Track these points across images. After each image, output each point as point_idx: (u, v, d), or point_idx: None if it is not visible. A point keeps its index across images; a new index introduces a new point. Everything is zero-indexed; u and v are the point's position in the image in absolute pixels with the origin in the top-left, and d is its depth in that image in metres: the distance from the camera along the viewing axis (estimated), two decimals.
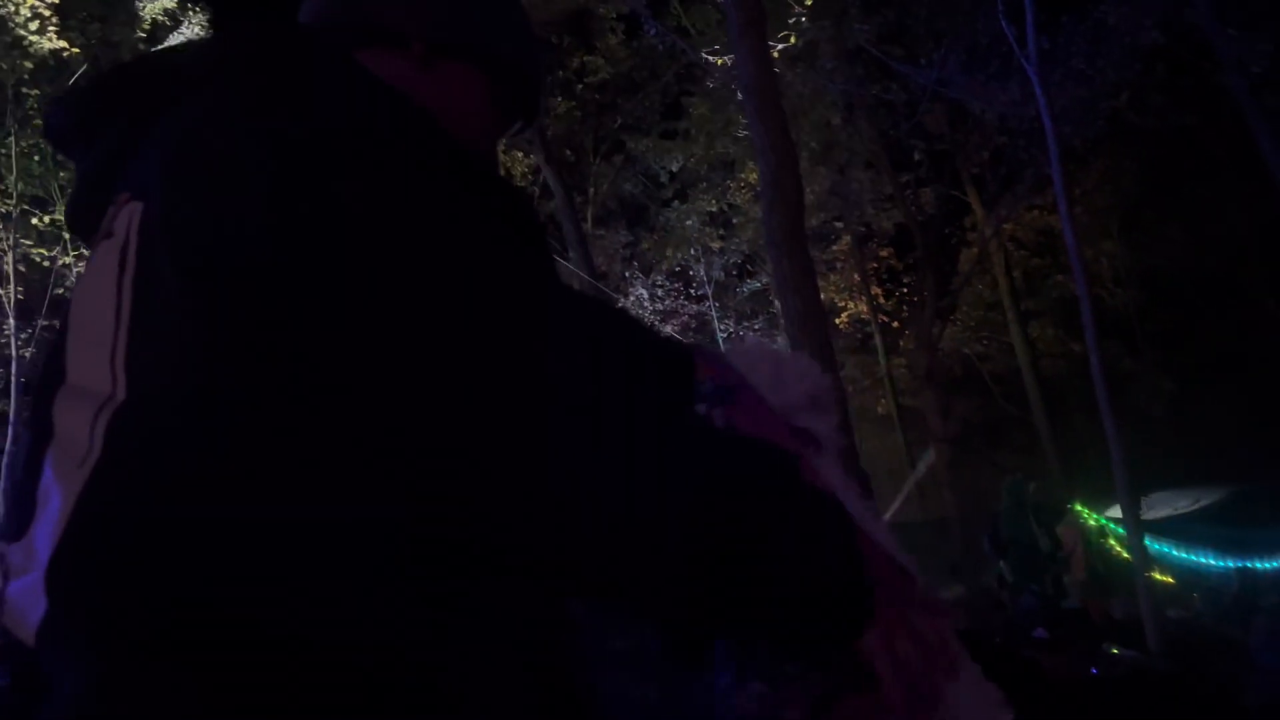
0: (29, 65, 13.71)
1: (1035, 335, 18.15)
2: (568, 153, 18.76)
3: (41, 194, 14.84)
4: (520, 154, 18.12)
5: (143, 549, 0.58)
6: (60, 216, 14.75)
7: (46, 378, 0.71)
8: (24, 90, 13.88)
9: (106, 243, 0.71)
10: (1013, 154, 11.43)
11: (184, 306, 0.63)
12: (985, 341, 18.68)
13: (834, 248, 18.50)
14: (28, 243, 14.70)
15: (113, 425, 0.63)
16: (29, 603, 0.62)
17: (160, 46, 0.73)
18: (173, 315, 0.64)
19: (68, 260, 15.00)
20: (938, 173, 15.23)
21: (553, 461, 0.59)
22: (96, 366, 0.66)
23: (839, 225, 16.48)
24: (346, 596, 0.59)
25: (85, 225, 0.80)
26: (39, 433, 0.69)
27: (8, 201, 14.16)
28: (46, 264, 15.02)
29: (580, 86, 18.58)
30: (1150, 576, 6.38)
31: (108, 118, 0.78)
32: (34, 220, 14.81)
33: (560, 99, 18.20)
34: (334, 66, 0.71)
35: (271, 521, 0.59)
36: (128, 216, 0.70)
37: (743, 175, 16.64)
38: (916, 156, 13.82)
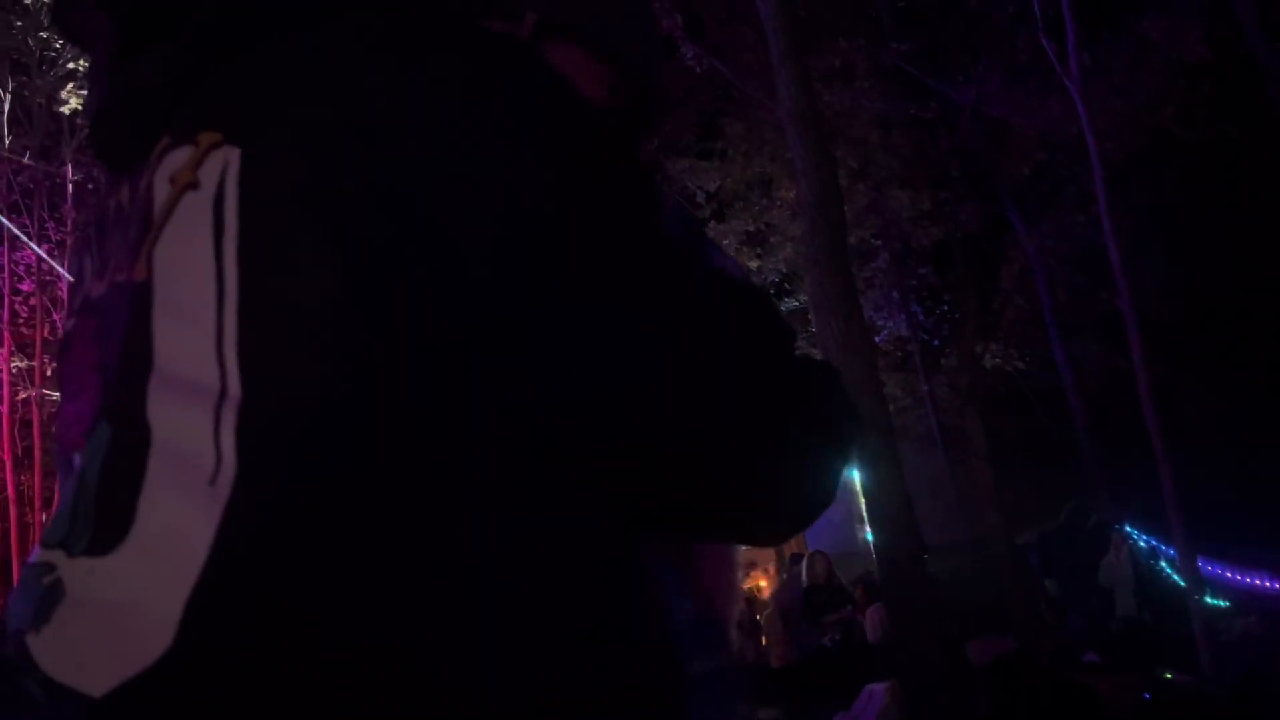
0: (83, 95, 14.11)
1: (1079, 352, 17.88)
2: None
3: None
4: None
5: (310, 589, 0.51)
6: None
7: (126, 354, 0.59)
8: (78, 121, 14.28)
9: (195, 194, 0.58)
10: (1054, 170, 11.34)
11: (333, 286, 0.54)
12: (1027, 359, 18.46)
13: (872, 265, 18.42)
14: None
15: (242, 430, 0.53)
16: (107, 636, 0.54)
17: None
18: (313, 296, 0.54)
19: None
20: (976, 190, 15.14)
21: None
22: (196, 352, 0.56)
23: (877, 243, 16.41)
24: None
25: (117, 149, 0.69)
26: (129, 428, 0.57)
27: (62, 229, 14.54)
28: None
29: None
30: (1203, 599, 6.25)
31: (160, 29, 0.65)
32: None
33: None
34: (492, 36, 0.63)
35: (449, 542, 0.53)
36: (219, 164, 0.58)
37: (780, 194, 16.65)
38: (954, 173, 13.75)
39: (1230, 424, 17.51)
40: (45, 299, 14.38)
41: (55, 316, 14.78)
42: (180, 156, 0.60)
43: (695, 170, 16.89)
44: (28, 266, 14.34)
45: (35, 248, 13.02)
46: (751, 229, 17.76)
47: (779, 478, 0.64)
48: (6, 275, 13.99)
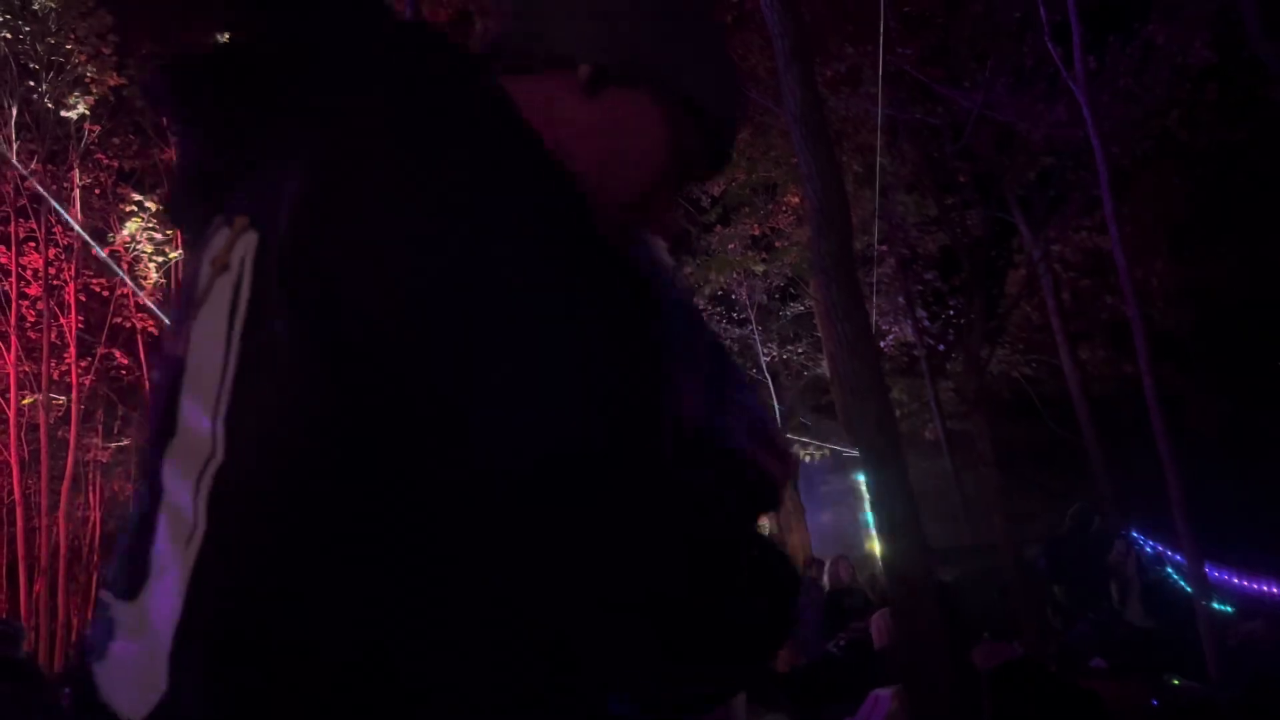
0: (89, 101, 14.17)
1: (1085, 357, 17.85)
2: None
3: (101, 225, 15.27)
4: None
5: (262, 646, 0.56)
6: (119, 248, 15.16)
7: (159, 421, 0.66)
8: (85, 126, 14.34)
9: (223, 276, 0.65)
10: (1060, 175, 11.33)
11: (298, 358, 0.59)
12: (1034, 364, 18.44)
13: (878, 271, 18.38)
14: (88, 273, 15.14)
15: (215, 493, 0.59)
16: (136, 671, 0.61)
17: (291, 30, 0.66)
18: (283, 368, 0.59)
19: (126, 290, 15.39)
20: (983, 195, 15.13)
21: None
22: (201, 420, 0.62)
23: (882, 249, 16.40)
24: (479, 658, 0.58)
25: (183, 220, 0.74)
26: (152, 486, 0.64)
27: (69, 234, 14.60)
28: (106, 294, 15.46)
29: None
30: (1210, 605, 6.23)
31: (221, 107, 0.71)
32: (93, 251, 15.25)
33: None
34: (488, 112, 0.66)
35: (399, 589, 0.58)
36: (244, 248, 0.64)
37: (784, 199, 16.67)
38: (961, 179, 13.74)
39: (1235, 429, 17.47)
40: (52, 303, 14.43)
41: (61, 321, 14.84)
42: (221, 239, 0.68)
43: None
44: (35, 271, 14.39)
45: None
46: (757, 233, 17.77)
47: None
48: (14, 280, 14.04)
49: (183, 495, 0.61)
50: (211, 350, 0.64)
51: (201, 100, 0.72)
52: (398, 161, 0.60)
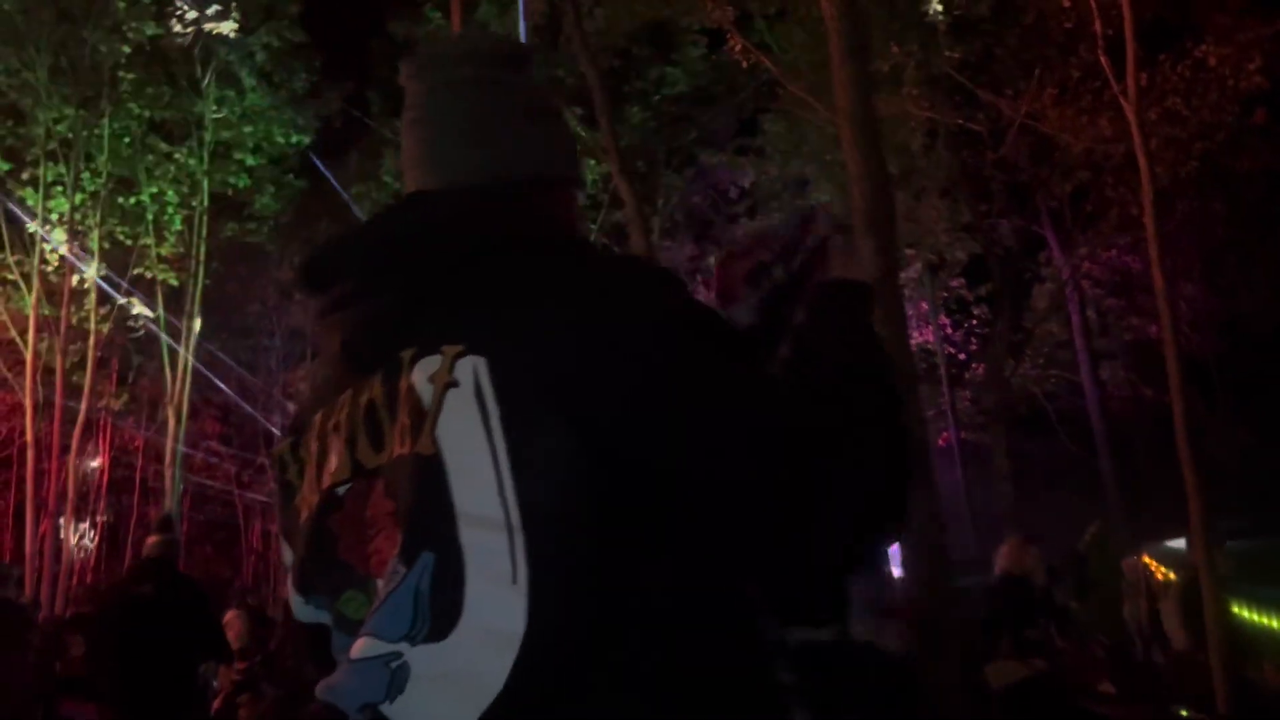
0: (126, 49, 14.13)
1: (1105, 377, 17.70)
2: (639, 163, 18.79)
3: (128, 174, 15.28)
4: (594, 162, 18.21)
5: (576, 653, 0.81)
6: (144, 197, 15.17)
7: (433, 503, 0.83)
8: (120, 74, 14.31)
9: (456, 390, 0.83)
10: (1098, 191, 11.18)
11: (561, 437, 0.81)
12: (1054, 380, 18.27)
13: (903, 275, 18.28)
14: (113, 221, 15.15)
15: (529, 548, 0.80)
16: (453, 697, 0.80)
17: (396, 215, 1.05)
18: (550, 448, 0.81)
19: (149, 241, 15.42)
20: (1015, 205, 14.97)
21: None
22: (486, 498, 0.81)
23: (910, 253, 16.27)
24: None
25: (361, 357, 0.94)
26: (448, 552, 0.82)
27: (97, 180, 14.60)
28: (129, 242, 15.48)
29: (657, 98, 18.60)
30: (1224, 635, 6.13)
31: (385, 274, 0.94)
32: (119, 200, 15.27)
33: (635, 109, 18.23)
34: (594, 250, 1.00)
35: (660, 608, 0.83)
36: (469, 367, 0.83)
37: (815, 196, 16.52)
38: (994, 187, 13.59)
39: (1253, 461, 17.27)
40: (75, 248, 14.44)
41: (84, 267, 14.86)
42: (432, 363, 0.85)
43: (732, 164, 16.79)
44: (60, 215, 14.41)
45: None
46: None
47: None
48: (40, 223, 14.06)
49: (496, 552, 0.80)
50: (473, 450, 0.82)
51: (369, 272, 0.95)
52: (605, 307, 0.85)
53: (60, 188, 14.24)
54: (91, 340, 14.57)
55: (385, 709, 0.81)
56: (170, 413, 15.48)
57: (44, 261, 14.11)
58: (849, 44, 4.08)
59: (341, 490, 0.93)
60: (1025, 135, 11.19)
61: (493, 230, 0.94)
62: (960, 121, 10.49)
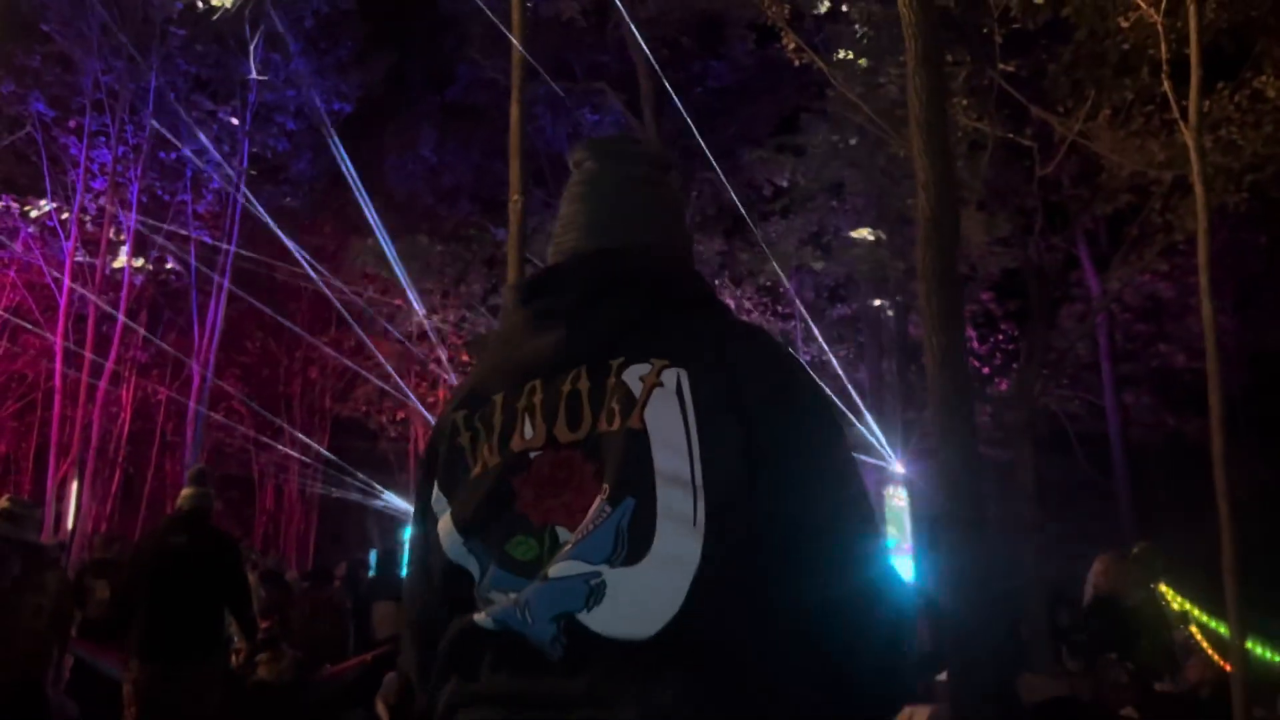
0: (178, 6, 14.18)
1: (1129, 402, 17.61)
2: (674, 155, 18.76)
3: (171, 130, 15.34)
4: None
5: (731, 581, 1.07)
6: (185, 154, 15.24)
7: (637, 465, 1.09)
8: (170, 29, 14.37)
9: (660, 390, 1.13)
10: (1145, 216, 11.09)
11: (733, 433, 1.11)
12: (1076, 401, 18.17)
13: None
14: (153, 175, 15.24)
15: (707, 500, 1.07)
16: (638, 609, 1.04)
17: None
18: (726, 437, 1.11)
19: (186, 198, 15.49)
20: (1053, 224, 14.85)
21: None
22: (679, 464, 1.08)
23: None
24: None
25: (565, 357, 1.21)
26: (646, 500, 1.07)
27: (140, 133, 14.68)
28: (167, 198, 15.57)
29: (699, 90, 18.56)
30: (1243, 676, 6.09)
31: (596, 301, 1.24)
32: (160, 155, 15.34)
33: (677, 101, 18.15)
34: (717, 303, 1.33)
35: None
36: (673, 376, 1.14)
37: (852, 199, 16.43)
38: (1030, 204, 13.48)
39: (1271, 498, 17.15)
40: (115, 199, 14.53)
41: (122, 217, 14.95)
42: (642, 369, 1.15)
43: (769, 163, 16.71)
44: (102, 165, 14.49)
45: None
46: (815, 229, 17.58)
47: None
48: (81, 170, 14.15)
49: (682, 505, 1.07)
50: (673, 430, 1.10)
51: (581, 299, 1.25)
52: (759, 354, 1.20)
53: (104, 138, 14.33)
54: (124, 292, 14.67)
55: (582, 616, 1.04)
56: (195, 369, 15.58)
57: (83, 210, 14.19)
58: (925, 50, 4.06)
59: (532, 455, 1.17)
60: (1070, 154, 11.11)
61: (676, 284, 1.30)
62: (1010, 135, 10.39)
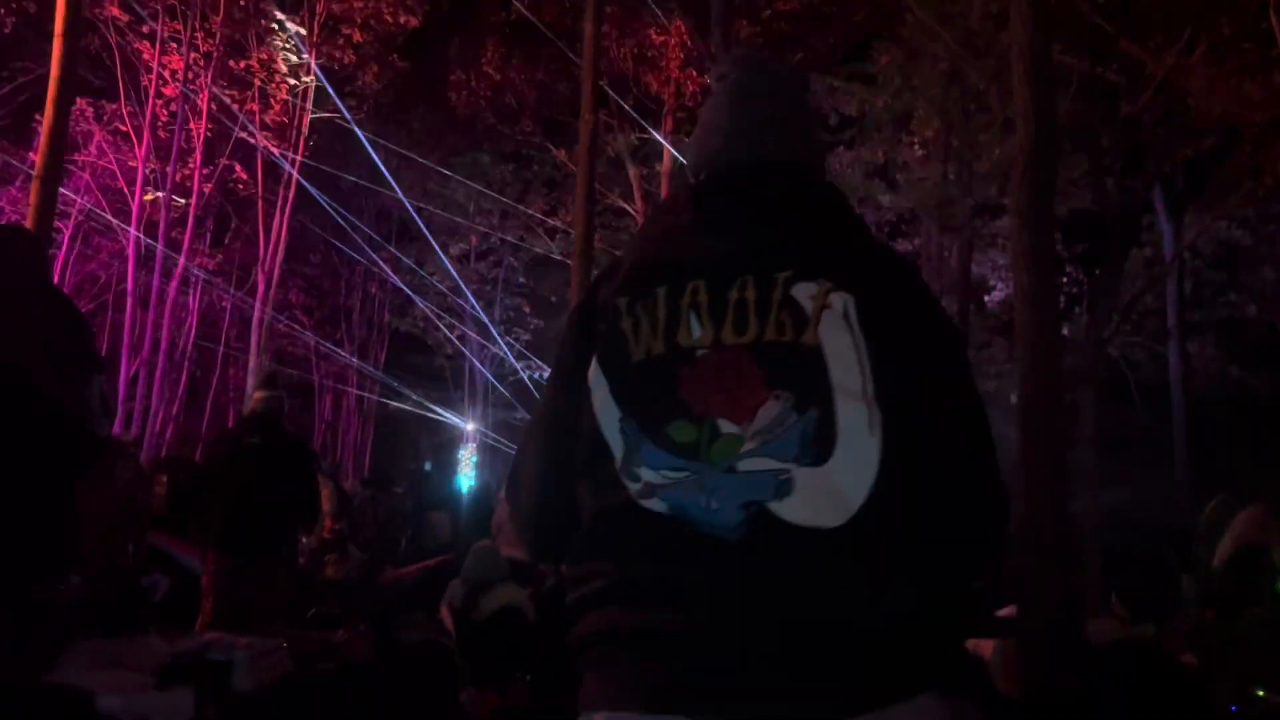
0: None
1: (1194, 352, 17.23)
2: None
3: (240, 39, 15.37)
4: (694, 72, 17.86)
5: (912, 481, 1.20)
6: (253, 62, 15.29)
7: (814, 378, 1.21)
8: None
9: (829, 311, 1.23)
10: (1232, 159, 10.69)
11: (895, 352, 1.22)
12: (1137, 348, 17.80)
13: (995, 224, 17.84)
14: (222, 83, 15.32)
15: (882, 410, 1.19)
16: (826, 502, 1.15)
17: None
18: (890, 356, 1.22)
19: (253, 107, 15.58)
20: (1129, 164, 14.36)
21: None
22: (853, 379, 1.20)
23: (1006, 201, 15.79)
24: None
25: (730, 262, 1.29)
26: (825, 410, 1.19)
27: (211, 39, 14.73)
28: (235, 106, 15.67)
29: (767, 13, 18.10)
30: None
31: (765, 215, 1.35)
32: (229, 63, 15.40)
33: (745, 24, 17.75)
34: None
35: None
36: (840, 299, 1.24)
37: (919, 133, 16.02)
38: (1106, 143, 13.04)
39: None
40: (186, 107, 14.66)
41: (191, 125, 15.10)
42: (810, 288, 1.25)
43: (838, 92, 16.31)
44: (173, 71, 14.60)
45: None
46: (882, 162, 17.23)
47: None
48: (154, 77, 14.27)
49: (859, 411, 1.19)
50: (844, 349, 1.21)
51: (750, 212, 1.37)
52: (908, 280, 1.34)
53: (176, 44, 14.41)
54: (193, 199, 14.90)
55: (772, 505, 1.15)
56: (260, 277, 15.86)
57: (154, 116, 14.36)
58: None
59: (699, 353, 1.26)
60: (1155, 92, 10.69)
61: (836, 207, 1.40)
62: (1098, 69, 10.02)
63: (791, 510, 1.15)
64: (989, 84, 10.94)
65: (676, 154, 17.37)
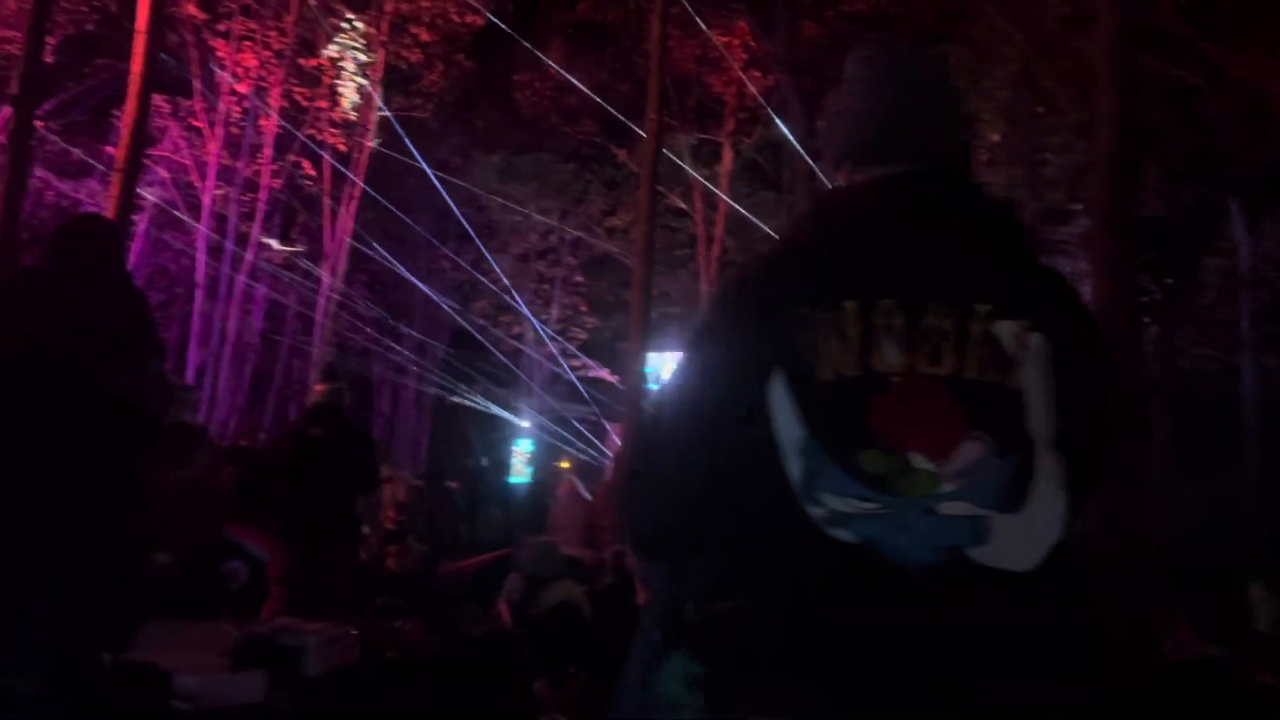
0: None
1: (1269, 365, 16.65)
2: (805, 82, 18.27)
3: (309, 37, 15.66)
4: (759, 74, 17.78)
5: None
6: (323, 59, 15.58)
7: (1019, 425, 1.21)
8: None
9: (1028, 351, 1.23)
10: None
11: (1085, 394, 1.27)
12: (1210, 360, 17.28)
13: (1064, 229, 17.44)
14: (293, 81, 15.63)
15: (1071, 462, 1.23)
16: (1020, 549, 1.18)
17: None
18: (1081, 400, 1.25)
19: (322, 104, 15.87)
20: (1202, 170, 13.95)
21: None
22: (1050, 428, 1.22)
23: (1077, 208, 15.44)
24: None
25: (923, 283, 1.24)
26: (1024, 459, 1.20)
27: (284, 38, 15.04)
28: (305, 103, 15.97)
29: (832, 14, 17.94)
30: None
31: (953, 235, 1.30)
32: (300, 60, 15.71)
33: (810, 25, 17.64)
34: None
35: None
36: (1038, 339, 1.23)
37: (984, 135, 15.75)
38: (1181, 147, 12.67)
39: None
40: (258, 103, 14.98)
41: (262, 121, 15.42)
42: (1011, 326, 1.23)
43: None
44: (247, 69, 14.92)
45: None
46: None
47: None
48: (229, 75, 14.60)
49: (1056, 465, 1.20)
50: (1043, 395, 1.22)
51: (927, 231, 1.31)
52: (1086, 317, 1.37)
53: (251, 42, 14.73)
54: (262, 194, 15.23)
55: (970, 550, 1.16)
56: (325, 270, 16.16)
57: (227, 112, 14.70)
58: None
59: (894, 379, 1.21)
60: (1231, 95, 10.37)
61: (1016, 227, 1.37)
62: (1176, 71, 9.77)
63: (985, 554, 1.16)
64: (1061, 87, 10.74)
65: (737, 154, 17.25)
